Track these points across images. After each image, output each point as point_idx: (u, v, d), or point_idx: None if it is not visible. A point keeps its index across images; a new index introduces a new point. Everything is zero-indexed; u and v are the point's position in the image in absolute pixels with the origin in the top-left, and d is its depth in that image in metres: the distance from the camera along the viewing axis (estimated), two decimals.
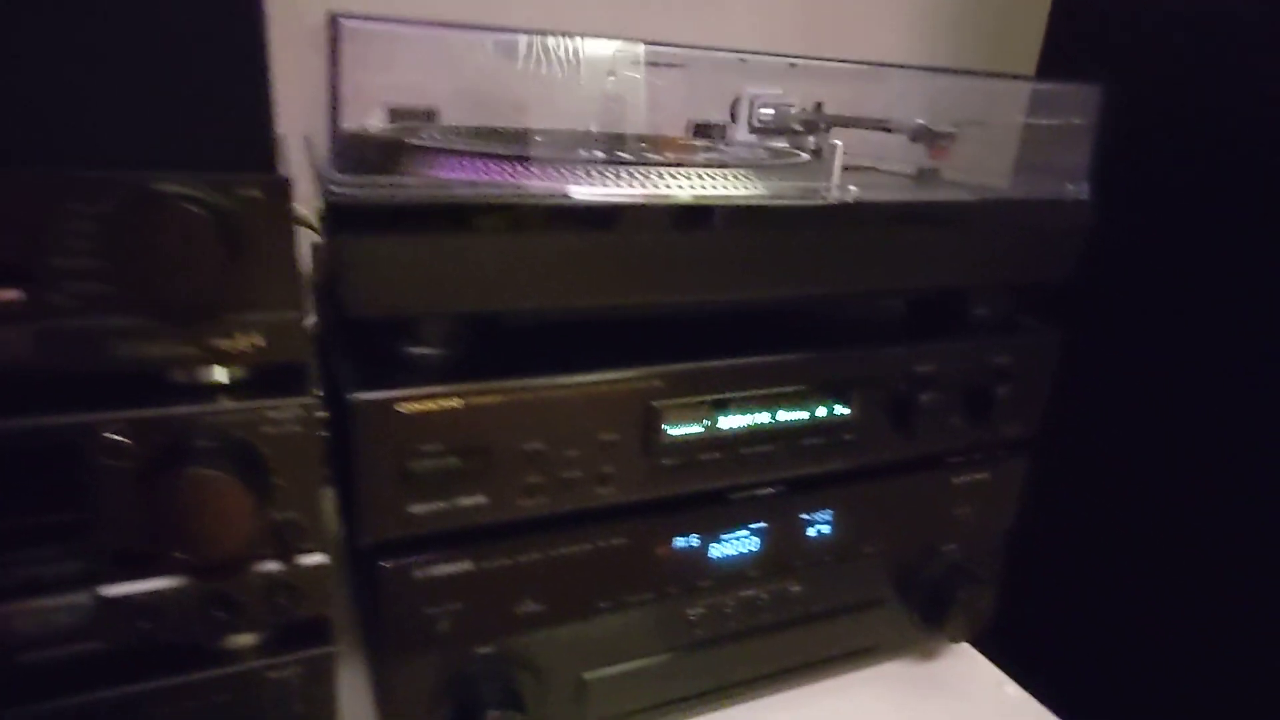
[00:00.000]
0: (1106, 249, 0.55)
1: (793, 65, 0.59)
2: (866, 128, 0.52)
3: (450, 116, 0.57)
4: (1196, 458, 0.63)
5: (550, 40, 0.36)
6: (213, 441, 0.29)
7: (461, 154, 0.37)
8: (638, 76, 0.55)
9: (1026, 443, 0.49)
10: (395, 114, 0.55)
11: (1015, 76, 0.47)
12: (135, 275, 0.27)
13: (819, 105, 0.58)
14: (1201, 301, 0.61)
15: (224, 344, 0.29)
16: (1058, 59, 0.69)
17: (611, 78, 0.57)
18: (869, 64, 0.43)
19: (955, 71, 0.46)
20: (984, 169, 0.51)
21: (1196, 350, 0.62)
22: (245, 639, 0.34)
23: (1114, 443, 0.70)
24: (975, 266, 0.43)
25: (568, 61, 0.37)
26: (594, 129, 0.48)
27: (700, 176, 0.38)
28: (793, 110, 0.57)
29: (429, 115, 0.56)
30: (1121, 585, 0.70)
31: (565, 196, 0.34)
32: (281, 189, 0.28)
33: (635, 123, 0.58)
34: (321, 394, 0.32)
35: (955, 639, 0.50)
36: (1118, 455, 0.69)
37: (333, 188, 0.30)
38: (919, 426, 0.43)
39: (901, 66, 0.42)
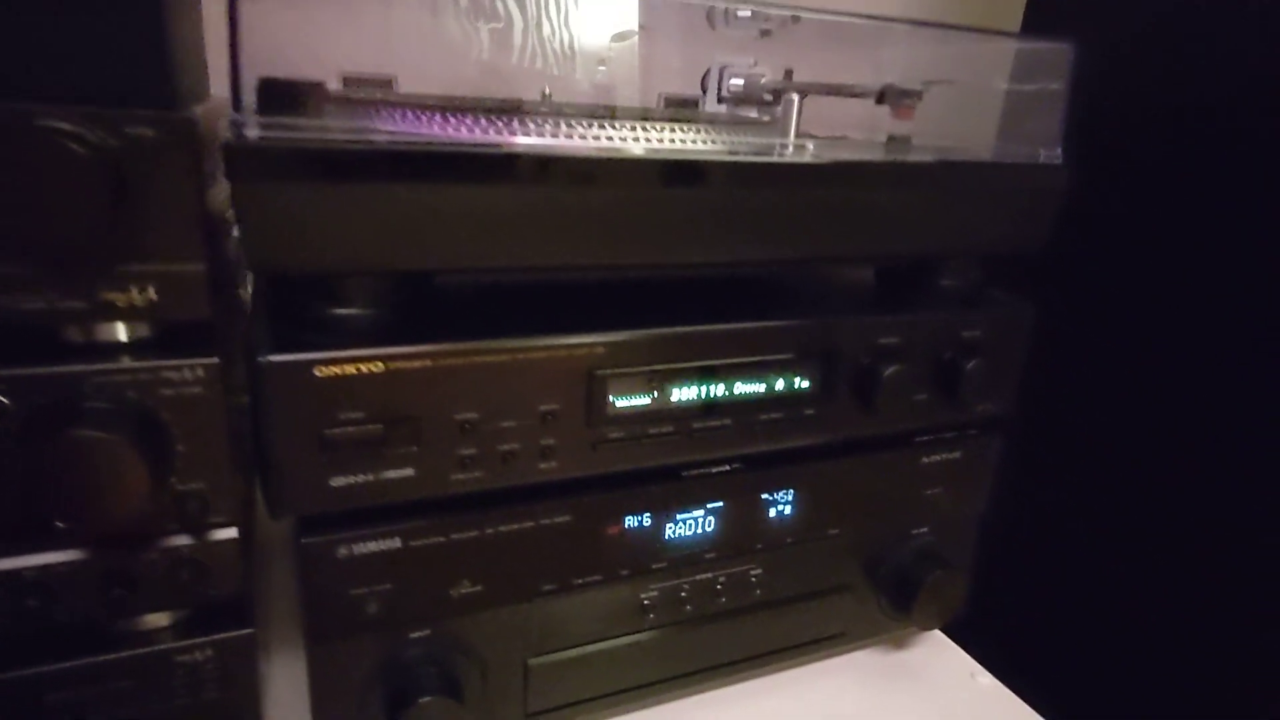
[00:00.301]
0: (1086, 218, 0.53)
1: (765, 34, 0.57)
2: (834, 94, 0.50)
3: (410, 85, 0.55)
4: (1178, 439, 0.61)
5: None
6: (105, 404, 0.27)
7: (392, 105, 0.35)
8: (630, 57, 0.53)
9: (999, 422, 0.47)
10: (349, 81, 0.53)
11: (986, 31, 0.45)
12: (8, 218, 0.24)
13: (789, 73, 0.56)
14: (1184, 274, 0.59)
15: (116, 298, 0.27)
16: (1041, 21, 0.66)
17: (602, 67, 0.55)
18: (831, 13, 0.41)
19: (920, 23, 0.44)
20: (963, 137, 0.49)
21: (1179, 327, 0.60)
22: (158, 620, 0.32)
23: (1092, 422, 0.68)
24: (942, 233, 0.41)
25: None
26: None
27: (657, 129, 0.36)
28: (763, 80, 0.55)
29: (385, 84, 0.54)
30: (1099, 571, 0.68)
31: (497, 146, 0.31)
32: (181, 129, 0.26)
33: (621, 100, 0.56)
34: (246, 358, 0.30)
35: (925, 626, 0.48)
36: (1096, 435, 0.67)
37: (234, 128, 0.27)
38: (883, 402, 0.41)
39: (867, 16, 0.40)
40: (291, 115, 0.30)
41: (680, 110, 0.51)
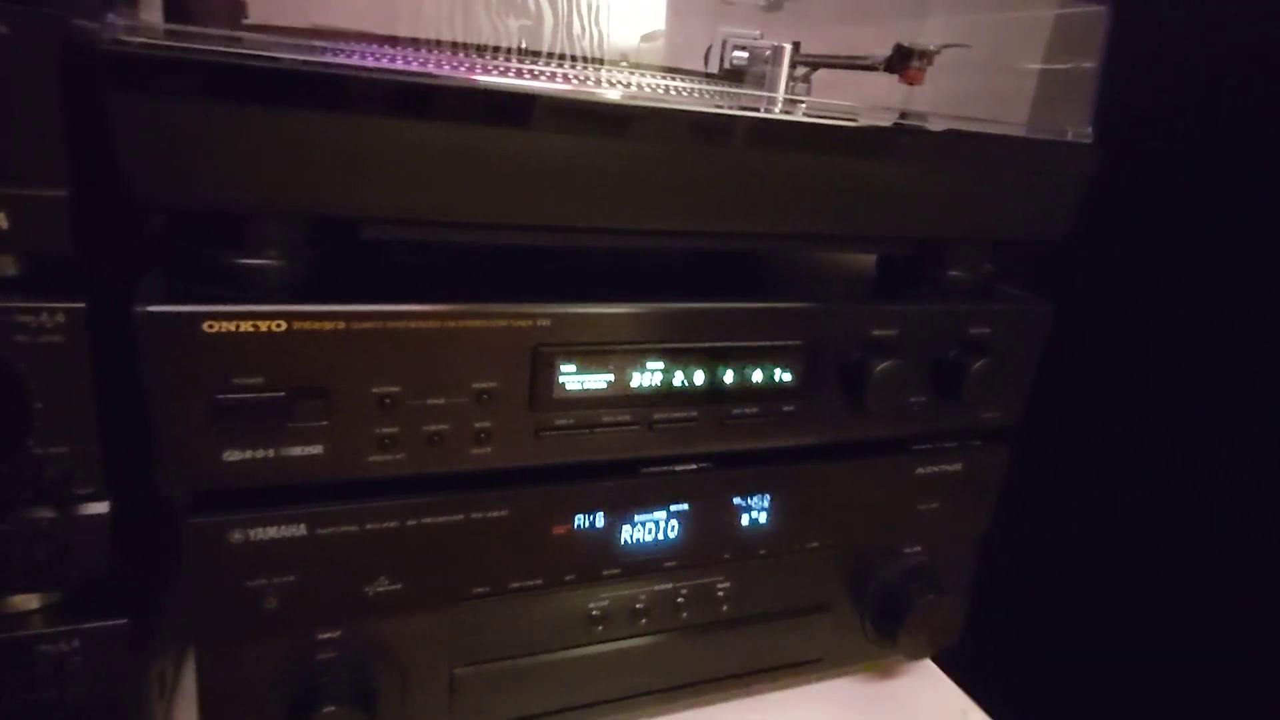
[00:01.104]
0: (1110, 206, 0.48)
1: (775, 8, 0.53)
2: (842, 66, 0.45)
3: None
4: (1202, 459, 0.55)
5: None
6: None
7: (328, 33, 0.31)
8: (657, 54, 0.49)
9: (1007, 432, 0.42)
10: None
11: None
12: None
13: (796, 45, 0.51)
14: (1223, 275, 0.54)
15: None
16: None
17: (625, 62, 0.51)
18: None
19: None
20: (983, 114, 0.44)
21: (1211, 334, 0.55)
22: (26, 602, 0.28)
23: (1108, 435, 0.62)
24: (952, 215, 0.37)
25: None
26: None
27: (633, 72, 0.32)
28: (768, 52, 0.51)
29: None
30: (1111, 604, 0.62)
31: (449, 79, 0.27)
32: (42, 26, 0.22)
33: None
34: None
35: (914, 655, 0.44)
36: (1113, 450, 0.62)
37: (109, 29, 0.23)
38: (875, 401, 0.36)
39: None
40: (198, 23, 0.25)
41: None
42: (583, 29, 0.45)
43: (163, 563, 0.34)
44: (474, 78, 0.29)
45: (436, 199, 0.28)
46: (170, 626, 0.36)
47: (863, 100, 0.46)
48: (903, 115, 0.43)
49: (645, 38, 0.51)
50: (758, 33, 0.52)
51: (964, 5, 0.44)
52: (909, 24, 0.48)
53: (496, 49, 0.39)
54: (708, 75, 0.51)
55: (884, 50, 0.45)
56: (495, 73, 0.31)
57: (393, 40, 0.36)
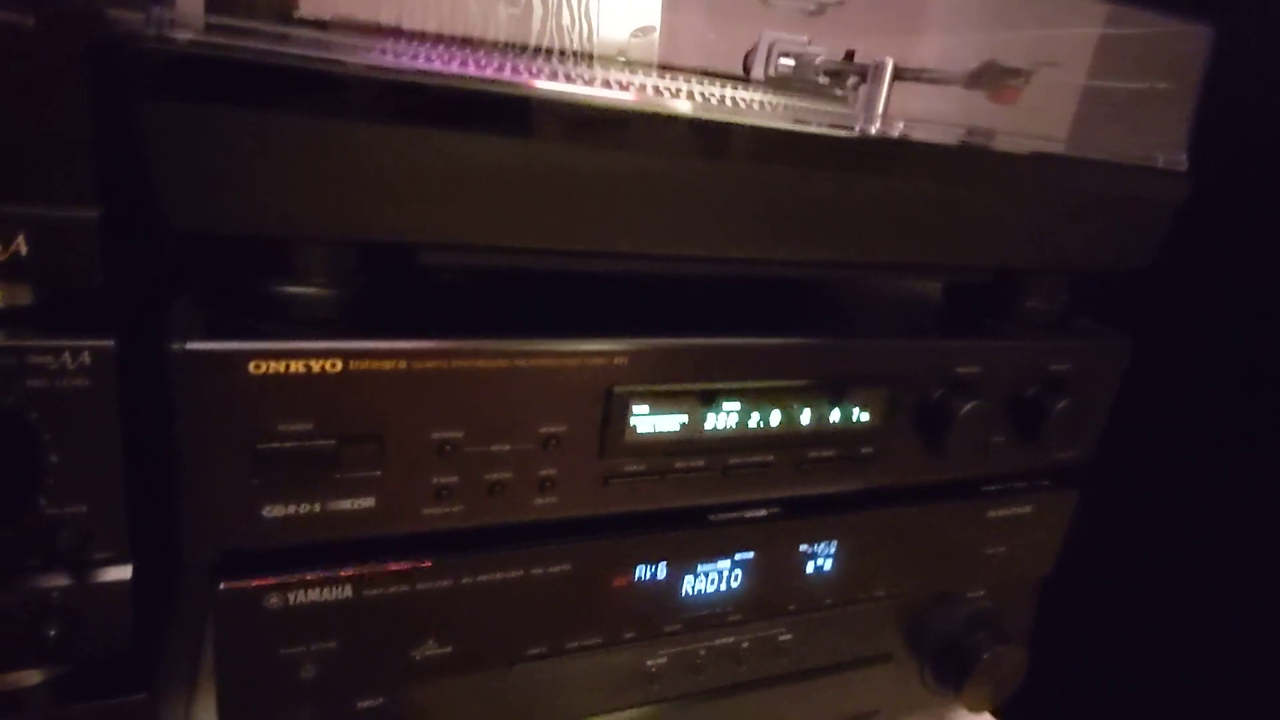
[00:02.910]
0: (1196, 236, 0.46)
1: (818, 11, 0.50)
2: (909, 79, 0.43)
3: None
4: (1262, 498, 0.53)
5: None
6: None
7: (384, 31, 0.28)
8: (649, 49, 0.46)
9: (1078, 472, 0.40)
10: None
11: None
12: None
13: (850, 54, 0.49)
14: None
15: None
16: None
17: (621, 58, 0.48)
18: None
19: None
20: (1054, 135, 0.41)
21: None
22: (24, 679, 0.25)
23: (1178, 476, 0.60)
24: (1036, 244, 0.34)
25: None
26: None
27: (716, 86, 0.29)
28: (819, 60, 0.48)
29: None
30: (1178, 655, 0.60)
31: (512, 86, 0.24)
32: (70, 18, 0.19)
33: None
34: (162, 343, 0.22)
35: (976, 708, 0.41)
36: (1182, 492, 0.59)
37: (152, 29, 0.20)
38: (956, 443, 0.34)
39: None
40: (245, 16, 0.22)
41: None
42: (573, 21, 0.42)
43: (172, 618, 0.30)
44: (535, 85, 0.25)
45: (507, 221, 0.25)
46: (178, 690, 0.32)
47: (903, 111, 0.44)
48: (969, 134, 0.40)
49: (637, 33, 0.49)
50: (805, 38, 0.50)
51: (1030, 20, 0.41)
52: (955, 37, 0.46)
53: (537, 50, 0.37)
54: (749, 81, 0.48)
55: (928, 60, 0.43)
56: (553, 79, 0.28)
57: (439, 39, 0.33)
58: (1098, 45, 0.43)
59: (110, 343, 0.21)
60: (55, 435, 0.21)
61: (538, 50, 0.35)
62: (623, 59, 0.49)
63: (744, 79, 0.49)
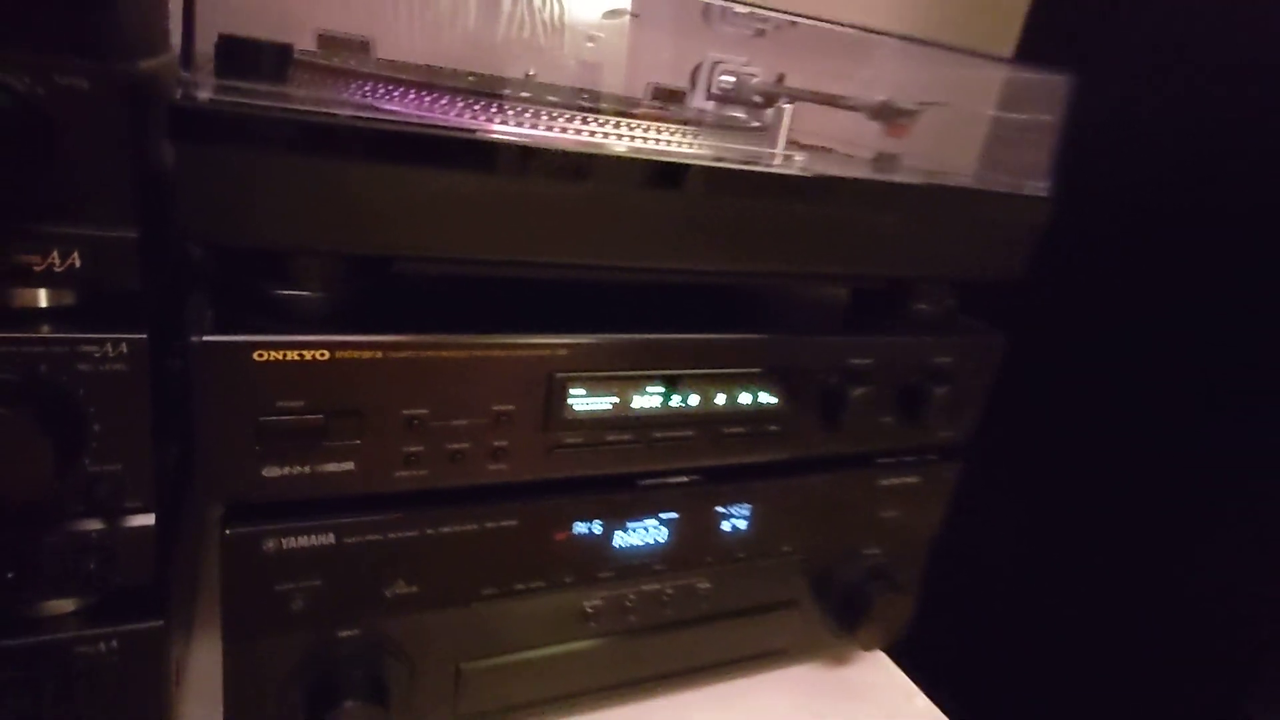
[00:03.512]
0: (1059, 250, 0.53)
1: (760, 34, 0.55)
2: (826, 103, 0.49)
3: (388, 51, 0.52)
4: (1130, 478, 0.61)
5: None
6: (10, 376, 0.25)
7: (362, 76, 0.33)
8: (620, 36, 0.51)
9: (960, 448, 0.47)
10: (324, 41, 0.50)
11: (981, 55, 0.43)
12: None
13: (781, 77, 0.54)
14: (1155, 315, 0.60)
15: (32, 260, 0.24)
16: (1037, 44, 0.66)
17: (590, 44, 0.53)
18: (831, 22, 0.40)
19: (919, 41, 0.42)
20: (949, 161, 0.48)
21: (1137, 367, 0.61)
22: (62, 606, 0.30)
23: (1046, 454, 0.68)
24: (922, 257, 0.40)
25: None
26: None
27: (641, 129, 0.34)
28: (754, 80, 0.54)
29: (362, 46, 0.51)
30: (1044, 605, 0.68)
31: (470, 131, 0.29)
32: (120, 84, 0.24)
33: (607, 81, 0.54)
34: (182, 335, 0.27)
35: (869, 646, 0.48)
36: (1049, 467, 0.68)
37: (182, 90, 0.25)
38: (849, 422, 0.40)
39: (864, 29, 0.39)
40: (250, 78, 0.27)
41: (665, 107, 0.49)
42: (544, 0, 0.47)
43: (181, 564, 0.36)
44: (491, 129, 0.31)
45: (467, 238, 0.30)
46: (181, 621, 0.38)
47: (829, 125, 0.50)
48: (878, 156, 0.47)
49: (607, 14, 0.53)
50: (745, 59, 0.55)
51: (935, 57, 0.47)
52: (886, 66, 0.52)
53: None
54: (695, 116, 0.53)
55: (856, 82, 0.49)
56: (511, 120, 0.33)
57: (413, 84, 0.38)
58: (1002, 86, 0.49)
59: (143, 336, 0.26)
60: (97, 409, 0.26)
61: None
62: (591, 44, 0.54)
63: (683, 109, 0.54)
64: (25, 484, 0.24)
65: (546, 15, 0.48)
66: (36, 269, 0.24)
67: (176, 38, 0.27)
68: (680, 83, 0.55)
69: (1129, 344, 0.61)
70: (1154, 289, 0.60)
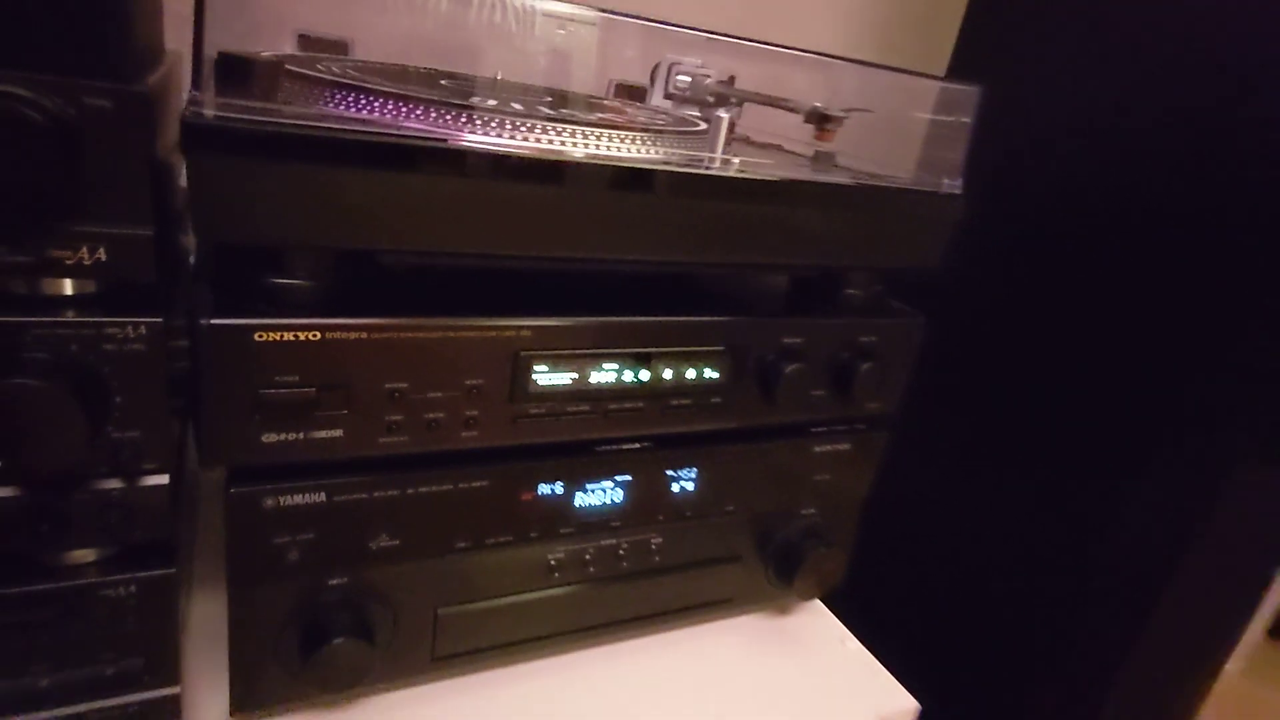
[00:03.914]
0: (977, 241, 0.59)
1: (711, 39, 0.60)
2: (770, 105, 0.53)
3: (372, 53, 0.55)
4: (1027, 443, 0.68)
5: None
6: (45, 354, 0.28)
7: (345, 87, 0.36)
8: (589, 30, 0.54)
9: (886, 418, 0.52)
10: (305, 42, 0.53)
11: (902, 71, 0.48)
12: None
13: (731, 79, 0.59)
14: (1045, 300, 0.66)
15: (64, 255, 0.28)
16: (968, 58, 0.72)
17: (562, 31, 0.56)
18: (768, 44, 0.44)
19: (845, 59, 0.47)
20: (885, 159, 0.52)
21: (1044, 343, 0.67)
22: (85, 555, 0.34)
23: (954, 423, 0.75)
24: (849, 248, 0.45)
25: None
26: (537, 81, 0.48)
27: (595, 136, 0.39)
28: (707, 81, 0.58)
29: (340, 47, 0.55)
30: (964, 557, 0.75)
31: (443, 141, 0.33)
32: (138, 103, 0.28)
33: (571, 78, 0.58)
34: (186, 319, 0.31)
35: (805, 596, 0.54)
36: (956, 435, 0.75)
37: (190, 107, 0.29)
38: (783, 395, 0.45)
39: (801, 51, 0.43)
40: (247, 93, 0.31)
41: (621, 113, 0.53)
42: None
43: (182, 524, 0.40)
44: (462, 137, 0.35)
45: (442, 233, 0.35)
46: (185, 573, 0.42)
47: (785, 121, 0.54)
48: (816, 154, 0.51)
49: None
50: (699, 61, 0.59)
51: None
52: (831, 72, 0.56)
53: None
54: (646, 124, 0.57)
55: (805, 83, 0.53)
56: (479, 129, 0.37)
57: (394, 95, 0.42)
58: (937, 95, 0.54)
59: (159, 319, 0.30)
60: (120, 383, 0.30)
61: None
62: (563, 32, 0.58)
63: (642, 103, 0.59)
64: (61, 448, 0.28)
65: (518, 2, 0.51)
66: (68, 262, 0.28)
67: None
68: (647, 71, 0.59)
69: (1037, 323, 0.68)
70: (1060, 274, 0.66)
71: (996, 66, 0.70)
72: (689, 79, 0.57)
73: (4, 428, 0.27)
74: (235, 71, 0.31)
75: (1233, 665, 1.41)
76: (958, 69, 0.74)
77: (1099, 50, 0.64)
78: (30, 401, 0.27)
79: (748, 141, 0.55)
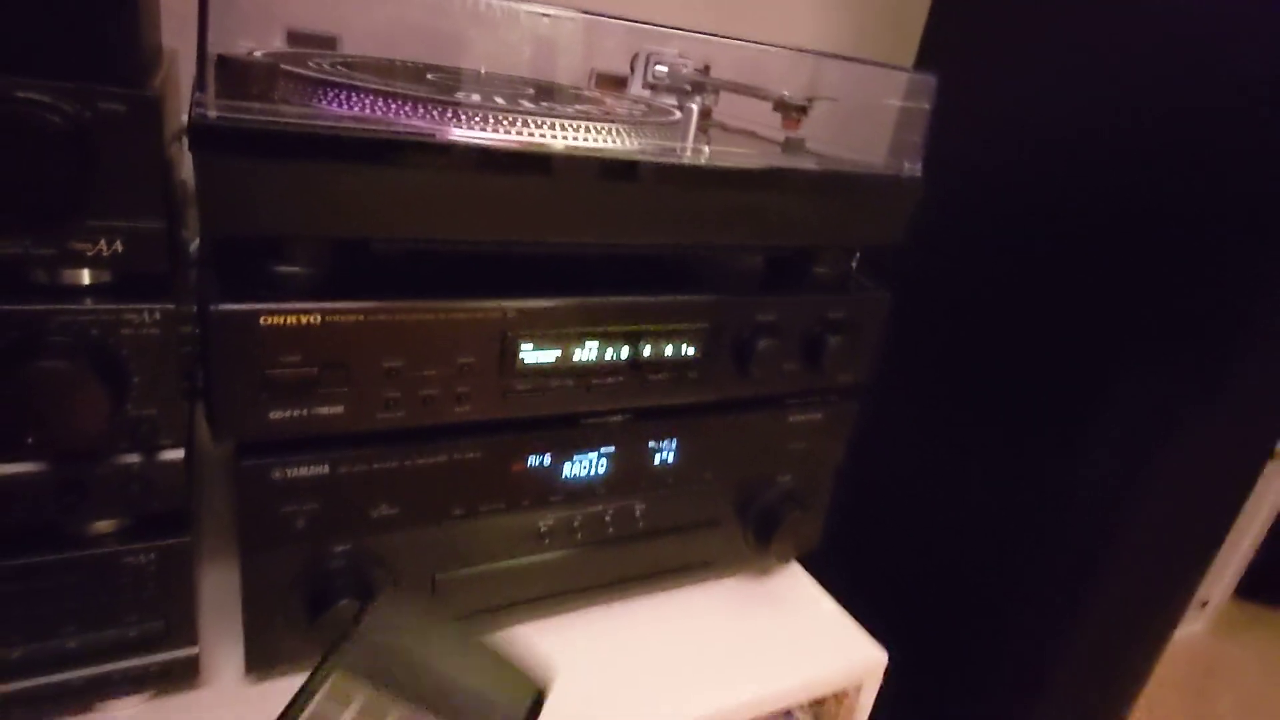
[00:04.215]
0: (937, 222, 0.62)
1: (679, 32, 0.62)
2: (742, 93, 0.56)
3: (360, 46, 0.57)
4: (994, 415, 0.72)
5: None
6: (69, 338, 0.31)
7: (337, 85, 0.39)
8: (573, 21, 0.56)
9: (858, 389, 0.55)
10: (294, 37, 0.55)
11: (867, 62, 0.51)
12: None
13: (706, 68, 0.61)
14: (1004, 277, 0.70)
15: (84, 247, 0.31)
16: (935, 48, 0.75)
17: (546, 18, 0.58)
18: (729, 38, 0.47)
19: (810, 52, 0.49)
20: (853, 144, 0.55)
21: (1001, 317, 0.70)
22: (106, 526, 0.37)
23: (923, 394, 0.79)
24: (815, 229, 0.48)
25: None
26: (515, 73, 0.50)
27: (575, 128, 0.41)
28: (684, 71, 0.60)
29: (329, 43, 0.57)
30: (929, 522, 0.79)
31: (431, 136, 0.36)
32: (148, 106, 0.30)
33: (555, 67, 0.60)
34: (192, 304, 0.34)
35: (783, 559, 0.57)
36: (926, 406, 0.79)
37: (197, 109, 0.31)
38: (757, 369, 0.48)
39: (770, 45, 0.46)
40: (246, 94, 0.33)
41: (600, 104, 0.55)
42: None
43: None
44: (449, 133, 0.37)
45: (431, 221, 0.37)
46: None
47: (760, 107, 0.57)
48: (786, 140, 0.54)
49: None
50: (676, 50, 0.62)
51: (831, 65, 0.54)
52: (803, 62, 0.59)
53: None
54: (625, 116, 0.60)
55: (777, 70, 0.56)
56: (464, 124, 0.39)
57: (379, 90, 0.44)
58: (906, 84, 0.57)
59: (172, 305, 0.32)
60: (137, 364, 0.33)
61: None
62: (547, 20, 0.60)
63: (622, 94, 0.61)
64: (86, 424, 0.31)
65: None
66: (87, 254, 0.30)
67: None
68: (628, 59, 0.61)
69: (996, 295, 0.71)
70: (1014, 252, 0.69)
71: (960, 58, 0.73)
72: (666, 69, 0.59)
73: (35, 407, 0.30)
74: (235, 74, 0.34)
75: (1201, 625, 1.47)
76: (924, 60, 0.76)
77: (1049, 41, 0.67)
78: (59, 382, 0.30)
79: (723, 128, 0.58)
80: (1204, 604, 1.41)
